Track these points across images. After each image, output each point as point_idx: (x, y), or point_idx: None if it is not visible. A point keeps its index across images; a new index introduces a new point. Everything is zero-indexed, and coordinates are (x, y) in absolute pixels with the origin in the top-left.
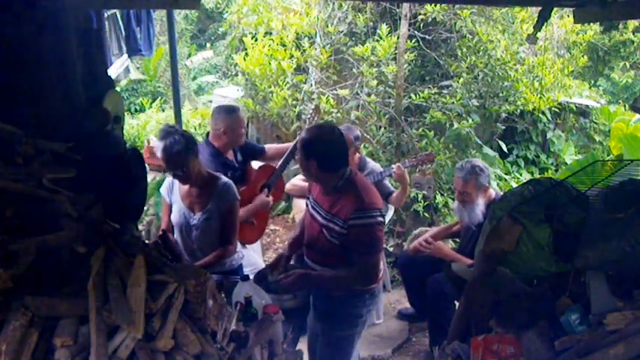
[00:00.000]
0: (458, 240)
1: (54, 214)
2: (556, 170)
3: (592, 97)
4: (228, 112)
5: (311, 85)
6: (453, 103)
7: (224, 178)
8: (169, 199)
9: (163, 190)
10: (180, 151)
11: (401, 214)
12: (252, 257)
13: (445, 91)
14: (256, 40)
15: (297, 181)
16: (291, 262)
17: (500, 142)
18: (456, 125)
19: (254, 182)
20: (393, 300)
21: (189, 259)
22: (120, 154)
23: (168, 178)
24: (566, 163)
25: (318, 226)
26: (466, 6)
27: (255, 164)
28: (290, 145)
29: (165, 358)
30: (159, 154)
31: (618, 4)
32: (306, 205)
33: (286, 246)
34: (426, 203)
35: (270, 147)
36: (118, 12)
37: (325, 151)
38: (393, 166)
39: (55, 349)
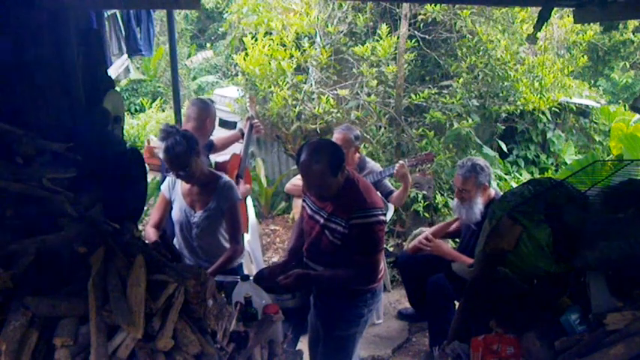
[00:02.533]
0: (458, 240)
1: (54, 214)
2: (556, 170)
3: (592, 97)
4: (194, 103)
5: (311, 85)
6: (453, 103)
7: (225, 177)
8: (170, 197)
9: (164, 186)
10: (182, 152)
11: (401, 214)
12: None
13: (445, 91)
14: (256, 40)
15: (297, 181)
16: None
17: (500, 142)
18: (456, 125)
19: (231, 172)
20: (393, 300)
21: (190, 257)
22: (120, 154)
23: (170, 175)
24: (566, 163)
25: (320, 228)
26: (466, 6)
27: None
28: (233, 133)
29: (165, 358)
30: (160, 155)
31: (618, 4)
32: (303, 209)
33: (286, 253)
34: (426, 203)
35: (218, 139)
36: (118, 12)
37: (338, 159)
38: (396, 165)
39: (55, 349)
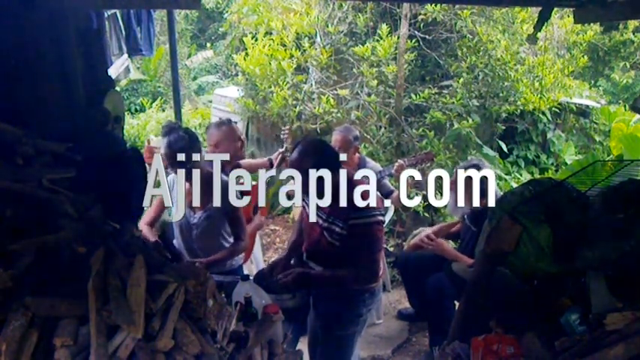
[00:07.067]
0: (459, 241)
1: (54, 214)
2: (556, 170)
3: (592, 97)
4: (218, 125)
5: (311, 85)
6: (453, 103)
7: (225, 177)
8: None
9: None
10: (184, 148)
11: (401, 214)
12: None
13: (445, 91)
14: (256, 40)
15: None
16: (291, 262)
17: (500, 142)
18: (456, 125)
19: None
20: (393, 300)
21: (190, 259)
22: (120, 154)
23: (170, 176)
24: (566, 164)
25: (319, 228)
26: (466, 6)
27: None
28: (262, 160)
29: (165, 358)
30: (162, 150)
31: (618, 4)
32: (303, 209)
33: (286, 248)
34: (425, 203)
35: (244, 163)
36: (118, 12)
37: (326, 158)
38: (395, 164)
39: (55, 349)
